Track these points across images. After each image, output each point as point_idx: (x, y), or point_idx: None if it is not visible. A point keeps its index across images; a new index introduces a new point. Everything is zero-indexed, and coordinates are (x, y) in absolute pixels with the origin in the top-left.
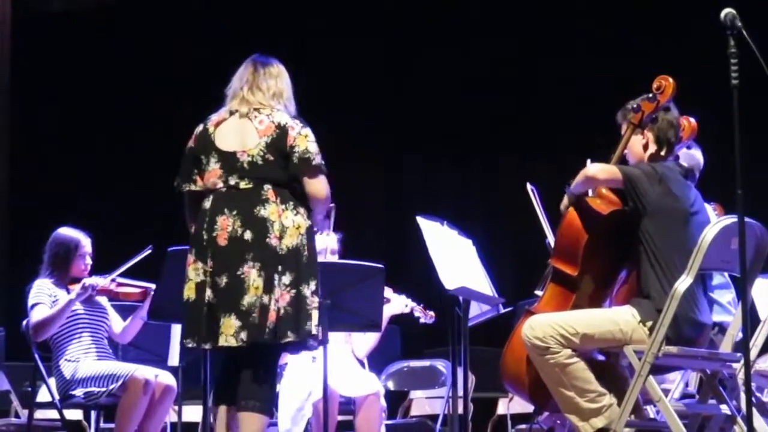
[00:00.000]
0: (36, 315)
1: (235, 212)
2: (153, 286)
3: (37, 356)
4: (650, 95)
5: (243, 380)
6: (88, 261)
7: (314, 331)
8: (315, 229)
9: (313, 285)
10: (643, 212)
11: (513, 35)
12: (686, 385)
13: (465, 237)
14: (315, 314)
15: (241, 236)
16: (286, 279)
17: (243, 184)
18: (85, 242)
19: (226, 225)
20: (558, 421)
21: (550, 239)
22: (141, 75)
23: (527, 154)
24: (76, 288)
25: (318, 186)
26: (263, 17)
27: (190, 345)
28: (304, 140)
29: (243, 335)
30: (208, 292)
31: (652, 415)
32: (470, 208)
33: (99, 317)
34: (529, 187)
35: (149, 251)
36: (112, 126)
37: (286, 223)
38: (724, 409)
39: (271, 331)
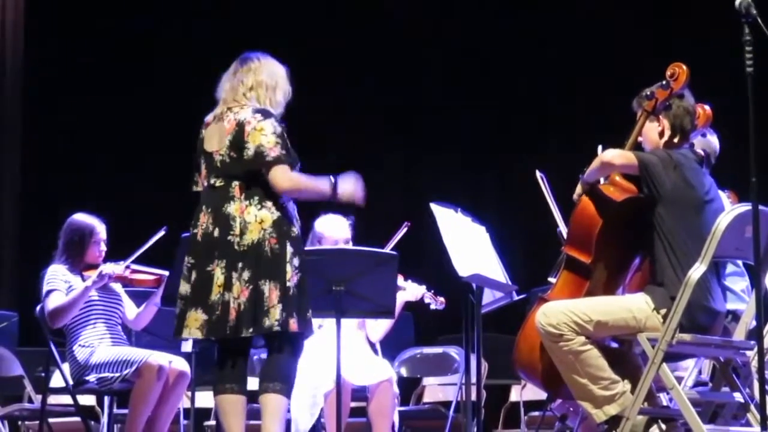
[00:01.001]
0: (52, 302)
1: (210, 210)
2: (166, 273)
3: (50, 341)
4: (664, 82)
5: (265, 364)
6: (103, 247)
7: (275, 326)
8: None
9: (280, 278)
10: (658, 199)
11: (523, 19)
12: (699, 372)
13: (478, 224)
14: (276, 308)
15: (212, 233)
16: (245, 275)
17: (217, 183)
18: (100, 228)
19: (203, 222)
20: (571, 409)
21: (561, 227)
22: (157, 59)
23: (540, 141)
24: (92, 275)
25: (275, 179)
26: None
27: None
28: (259, 135)
29: (206, 330)
30: (185, 286)
31: (665, 403)
32: (484, 196)
33: (113, 304)
34: (538, 174)
35: (163, 233)
36: (126, 112)
37: (248, 218)
38: (738, 396)
39: (231, 328)
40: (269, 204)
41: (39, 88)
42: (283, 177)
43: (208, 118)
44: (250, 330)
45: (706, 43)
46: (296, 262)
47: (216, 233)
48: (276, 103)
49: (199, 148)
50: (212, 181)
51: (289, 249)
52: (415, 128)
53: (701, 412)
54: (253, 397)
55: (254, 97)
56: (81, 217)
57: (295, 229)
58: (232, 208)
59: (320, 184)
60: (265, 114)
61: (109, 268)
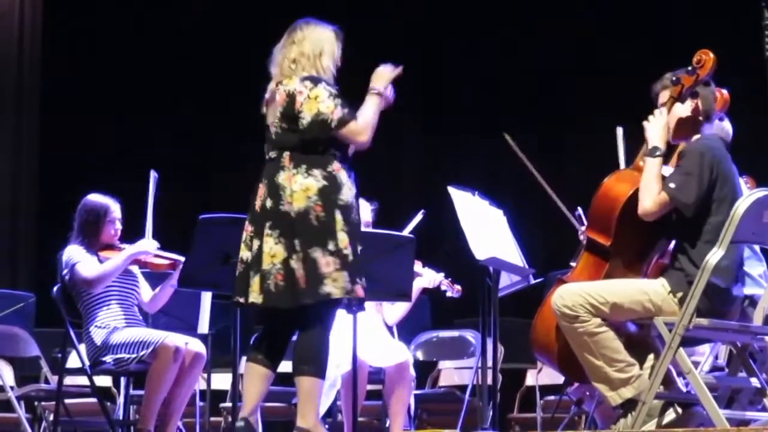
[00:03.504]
0: (88, 269)
1: (265, 181)
2: (182, 258)
3: (68, 322)
4: (690, 68)
5: (297, 346)
6: (118, 226)
7: (337, 293)
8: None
9: (331, 245)
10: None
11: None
12: (715, 357)
13: (496, 207)
14: (337, 275)
15: (265, 204)
16: (297, 243)
17: (272, 155)
18: (114, 207)
19: (261, 193)
20: (587, 393)
21: (546, 188)
22: (181, 35)
23: (559, 124)
24: (129, 248)
25: (355, 135)
26: None
27: (234, 300)
28: (315, 103)
29: (263, 298)
30: (247, 253)
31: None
32: (501, 179)
33: (130, 285)
34: (506, 135)
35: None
36: (140, 92)
37: (294, 187)
38: (754, 381)
39: (284, 296)
40: (316, 172)
41: (56, 66)
42: (359, 131)
43: (267, 95)
44: (308, 298)
45: (725, 27)
46: (346, 229)
47: (269, 203)
48: (324, 69)
49: (266, 123)
50: (269, 154)
51: (339, 216)
52: (433, 112)
53: (718, 397)
54: (285, 378)
55: (299, 68)
56: (95, 197)
57: (345, 197)
58: (282, 177)
59: (372, 106)
60: (315, 80)
61: (148, 245)
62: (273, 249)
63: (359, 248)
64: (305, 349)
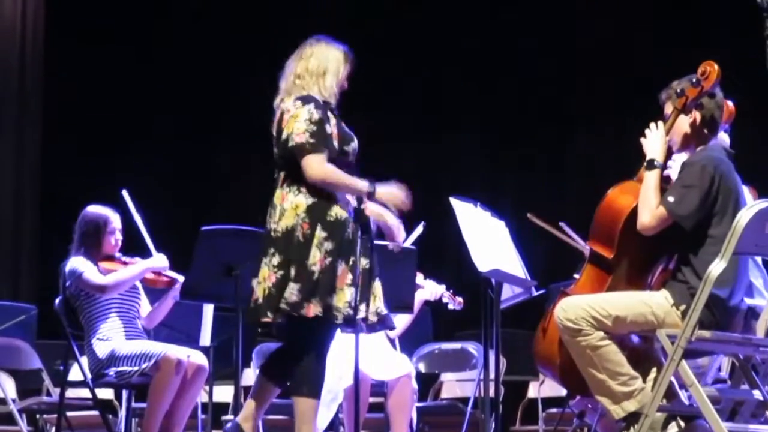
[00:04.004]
0: (100, 276)
1: (270, 201)
2: (182, 278)
3: (69, 334)
4: (694, 80)
5: (290, 362)
6: (118, 236)
7: (286, 309)
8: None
9: (310, 260)
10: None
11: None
12: (718, 370)
13: (497, 219)
14: (295, 291)
15: (269, 224)
16: (275, 260)
17: (275, 174)
18: (114, 218)
19: (268, 213)
20: (589, 405)
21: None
22: (184, 48)
23: (561, 135)
24: (148, 261)
25: (305, 167)
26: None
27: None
28: (293, 121)
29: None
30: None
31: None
32: (503, 191)
33: (132, 298)
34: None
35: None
36: (143, 105)
37: (285, 205)
38: (757, 394)
39: (252, 310)
40: (305, 189)
41: (59, 81)
42: (312, 166)
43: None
44: (271, 315)
45: (727, 38)
46: (328, 246)
47: (268, 224)
48: (326, 88)
49: None
50: (274, 174)
51: (321, 233)
52: (433, 122)
53: (720, 410)
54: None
55: (301, 84)
56: (94, 209)
57: (335, 213)
58: (276, 196)
59: (356, 182)
60: (305, 100)
61: (163, 260)
62: (263, 268)
63: (344, 265)
64: (298, 369)
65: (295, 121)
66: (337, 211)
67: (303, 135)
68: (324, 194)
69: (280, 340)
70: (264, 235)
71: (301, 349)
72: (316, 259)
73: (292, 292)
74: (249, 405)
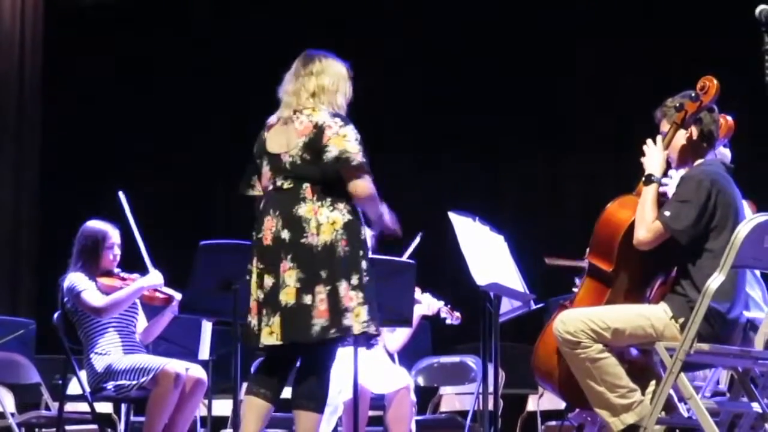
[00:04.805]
0: (97, 297)
1: (278, 212)
2: (179, 295)
3: (68, 349)
4: (693, 95)
5: (298, 378)
6: (117, 252)
7: (357, 328)
8: (379, 229)
9: (355, 280)
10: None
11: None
12: (717, 382)
13: (496, 233)
14: (360, 310)
15: (280, 236)
16: (323, 275)
17: (286, 185)
18: (113, 233)
19: (270, 225)
20: (588, 418)
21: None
22: (178, 66)
23: (559, 150)
24: (142, 280)
25: (359, 186)
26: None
27: (261, 346)
28: (342, 140)
29: (283, 334)
30: (258, 292)
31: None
32: (502, 205)
33: (131, 313)
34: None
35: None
36: (141, 120)
37: (321, 219)
38: (756, 407)
39: (308, 330)
40: (341, 206)
41: (57, 94)
42: (368, 186)
43: (272, 119)
44: (332, 331)
45: (726, 53)
46: (365, 264)
47: (285, 235)
48: (338, 107)
49: (260, 150)
50: (279, 183)
51: (360, 252)
52: (430, 135)
53: (719, 422)
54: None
55: (318, 102)
56: (94, 224)
57: (363, 233)
58: (304, 209)
59: (385, 209)
60: (344, 120)
61: (158, 278)
62: (296, 282)
63: (373, 284)
64: (307, 383)
65: (345, 140)
66: (364, 231)
67: (359, 155)
68: (357, 213)
69: (273, 353)
70: (289, 247)
71: (317, 365)
72: (367, 278)
73: (361, 310)
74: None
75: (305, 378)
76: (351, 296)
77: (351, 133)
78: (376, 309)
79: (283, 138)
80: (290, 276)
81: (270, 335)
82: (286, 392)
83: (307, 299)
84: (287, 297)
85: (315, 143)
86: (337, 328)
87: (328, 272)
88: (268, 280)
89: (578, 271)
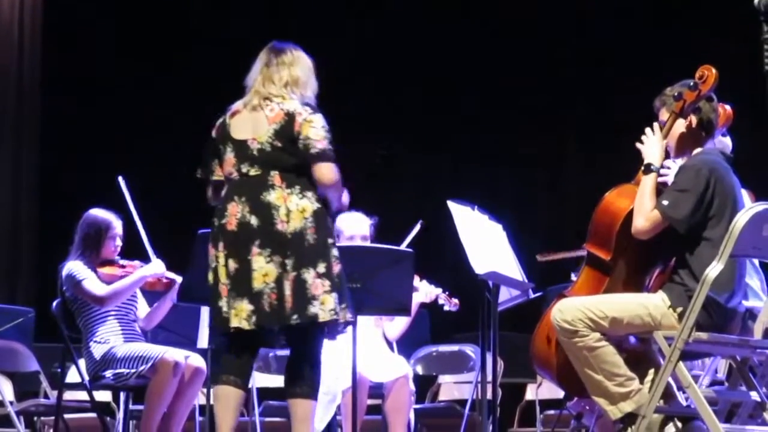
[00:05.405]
0: (99, 286)
1: (243, 198)
2: (179, 278)
3: (67, 337)
4: (692, 84)
5: (290, 367)
6: (119, 243)
7: (323, 316)
8: (334, 211)
9: (321, 268)
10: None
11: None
12: (715, 371)
13: (495, 222)
14: (326, 297)
15: (249, 222)
16: (290, 262)
17: (252, 171)
18: (116, 224)
19: (235, 211)
20: (587, 407)
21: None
22: (175, 57)
23: (557, 141)
24: (144, 269)
25: (321, 172)
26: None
27: (218, 330)
28: (308, 126)
29: (254, 319)
30: (223, 277)
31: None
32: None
33: (129, 301)
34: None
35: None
36: (141, 111)
37: (290, 207)
38: (754, 395)
39: (282, 316)
40: (309, 194)
41: (56, 82)
42: (329, 172)
43: (237, 106)
44: (294, 317)
45: (724, 41)
46: (334, 252)
47: (254, 221)
48: (308, 99)
49: (223, 135)
50: (245, 170)
51: (329, 240)
52: (432, 127)
53: (717, 411)
54: (272, 393)
55: (290, 92)
56: (97, 212)
57: (330, 223)
58: (273, 196)
59: (345, 195)
60: (314, 108)
61: (160, 267)
62: (264, 268)
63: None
64: (298, 371)
65: (311, 125)
66: (331, 219)
67: (323, 142)
68: (324, 201)
69: (238, 342)
70: (256, 233)
71: (306, 351)
72: (335, 265)
73: (328, 298)
74: (226, 425)
75: (297, 366)
76: (317, 284)
77: (318, 120)
78: (349, 297)
79: (249, 124)
80: (259, 262)
81: (238, 318)
82: (280, 381)
83: (277, 285)
84: (256, 283)
85: (286, 130)
86: (299, 314)
87: (294, 260)
88: (233, 264)
89: (572, 263)
